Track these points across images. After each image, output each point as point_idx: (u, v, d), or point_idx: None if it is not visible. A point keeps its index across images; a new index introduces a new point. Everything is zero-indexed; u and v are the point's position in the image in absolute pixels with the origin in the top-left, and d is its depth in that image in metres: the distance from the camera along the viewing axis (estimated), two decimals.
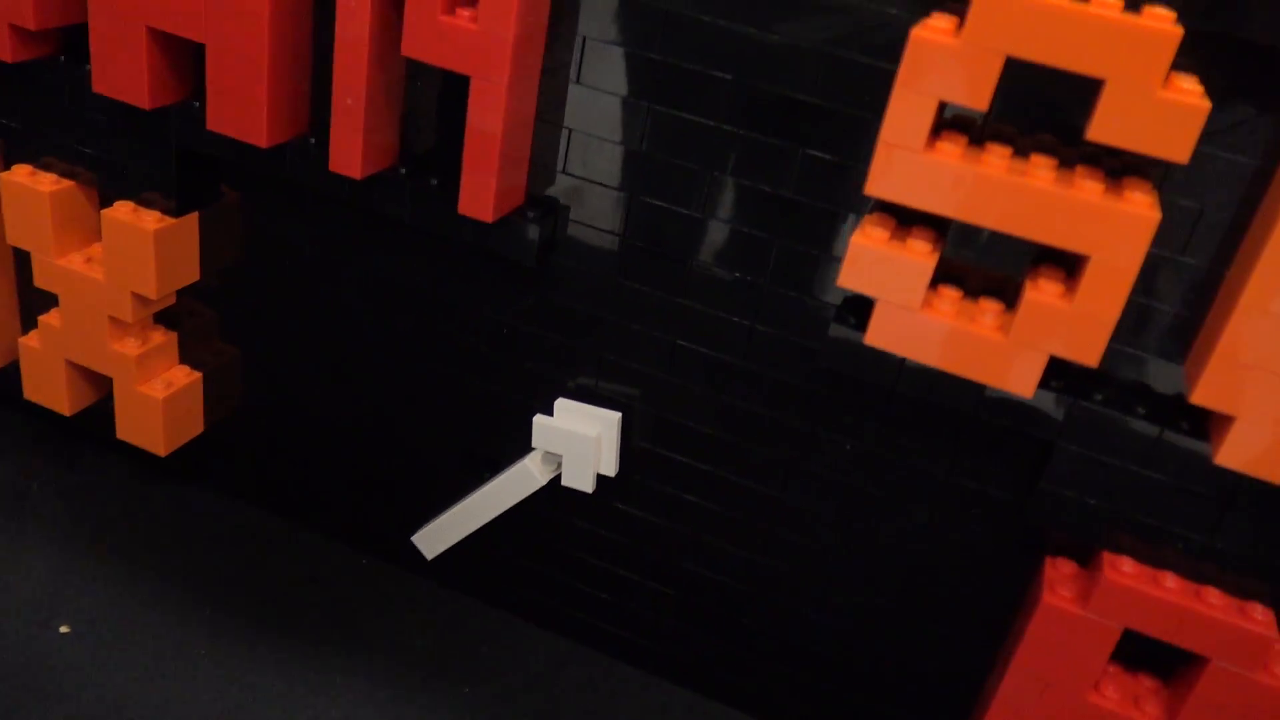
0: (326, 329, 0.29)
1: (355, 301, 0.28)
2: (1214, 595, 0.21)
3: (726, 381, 0.25)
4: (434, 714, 0.26)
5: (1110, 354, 0.21)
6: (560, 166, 0.24)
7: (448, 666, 0.28)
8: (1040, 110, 0.21)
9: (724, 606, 0.27)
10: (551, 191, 0.24)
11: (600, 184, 0.24)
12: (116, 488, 0.32)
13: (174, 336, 0.30)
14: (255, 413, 0.31)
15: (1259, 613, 0.21)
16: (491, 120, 0.22)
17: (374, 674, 0.27)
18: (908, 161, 0.19)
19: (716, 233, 0.23)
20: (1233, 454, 0.20)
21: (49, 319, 0.29)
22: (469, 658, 0.28)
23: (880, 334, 0.21)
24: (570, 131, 0.24)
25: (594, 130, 0.23)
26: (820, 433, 0.24)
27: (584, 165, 0.24)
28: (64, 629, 0.27)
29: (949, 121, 0.21)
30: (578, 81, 0.23)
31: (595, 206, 0.24)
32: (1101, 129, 0.18)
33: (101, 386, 0.30)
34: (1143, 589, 0.21)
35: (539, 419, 0.26)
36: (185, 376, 0.30)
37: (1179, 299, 0.21)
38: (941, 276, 0.21)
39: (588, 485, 0.26)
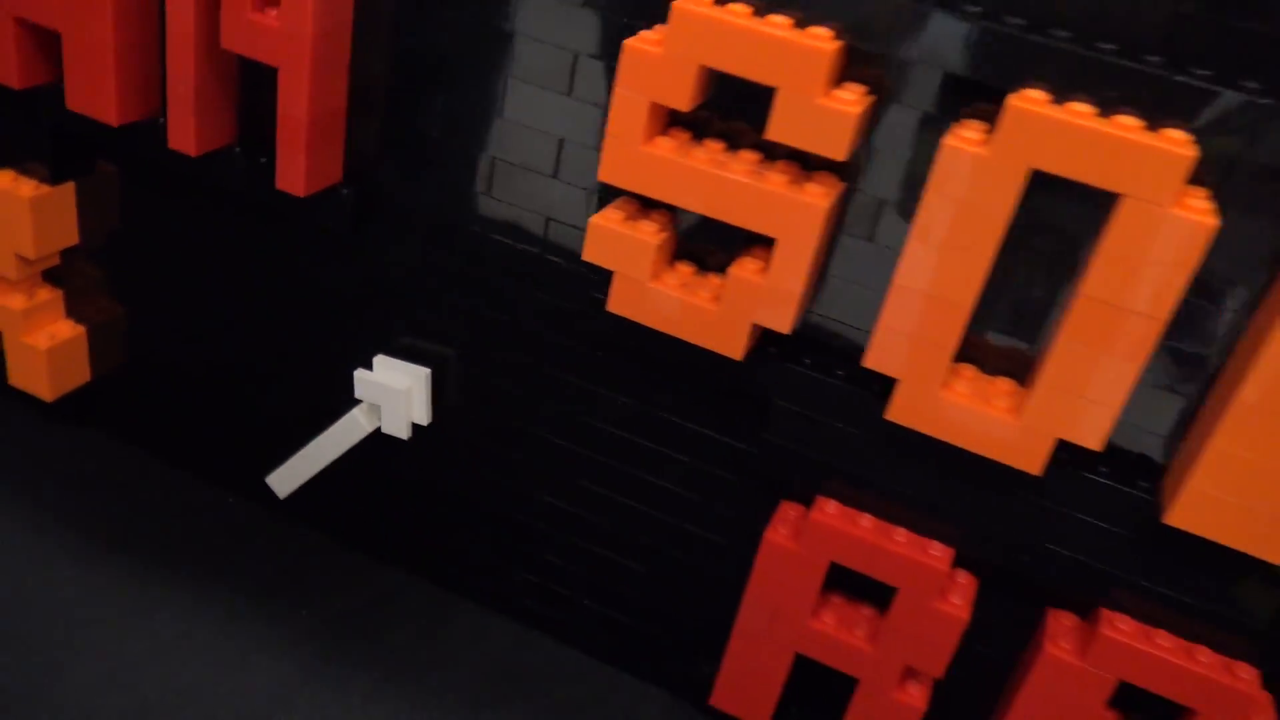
0: (193, 290, 0.32)
1: (214, 267, 0.31)
2: (900, 534, 0.24)
3: (520, 343, 0.28)
4: (270, 631, 0.30)
5: (821, 323, 0.24)
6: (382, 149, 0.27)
7: (288, 591, 0.31)
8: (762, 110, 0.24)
9: (530, 543, 0.31)
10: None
11: (412, 164, 0.27)
12: (11, 428, 0.35)
13: (59, 293, 0.33)
14: (139, 363, 0.35)
15: (937, 549, 0.24)
16: (297, 107, 0.25)
17: (216, 596, 0.31)
18: (628, 153, 0.23)
19: (503, 210, 0.27)
20: (900, 412, 0.23)
21: None
22: (308, 584, 0.32)
23: (618, 302, 0.24)
24: (388, 120, 0.27)
25: (411, 120, 0.27)
26: (600, 391, 0.28)
27: (401, 148, 0.27)
28: None
29: (684, 117, 0.24)
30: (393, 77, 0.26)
31: (408, 184, 0.27)
32: (777, 130, 0.21)
33: None
34: (844, 529, 0.25)
35: (359, 373, 0.29)
36: (70, 330, 0.33)
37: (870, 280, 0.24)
38: (685, 254, 0.25)
39: (404, 433, 0.29)
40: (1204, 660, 0.23)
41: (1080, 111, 0.19)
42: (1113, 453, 0.22)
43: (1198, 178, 0.20)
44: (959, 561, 0.25)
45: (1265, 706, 0.23)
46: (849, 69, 0.21)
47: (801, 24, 0.21)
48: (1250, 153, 0.19)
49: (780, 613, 0.26)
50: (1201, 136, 0.19)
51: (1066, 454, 0.22)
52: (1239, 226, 0.20)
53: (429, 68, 0.26)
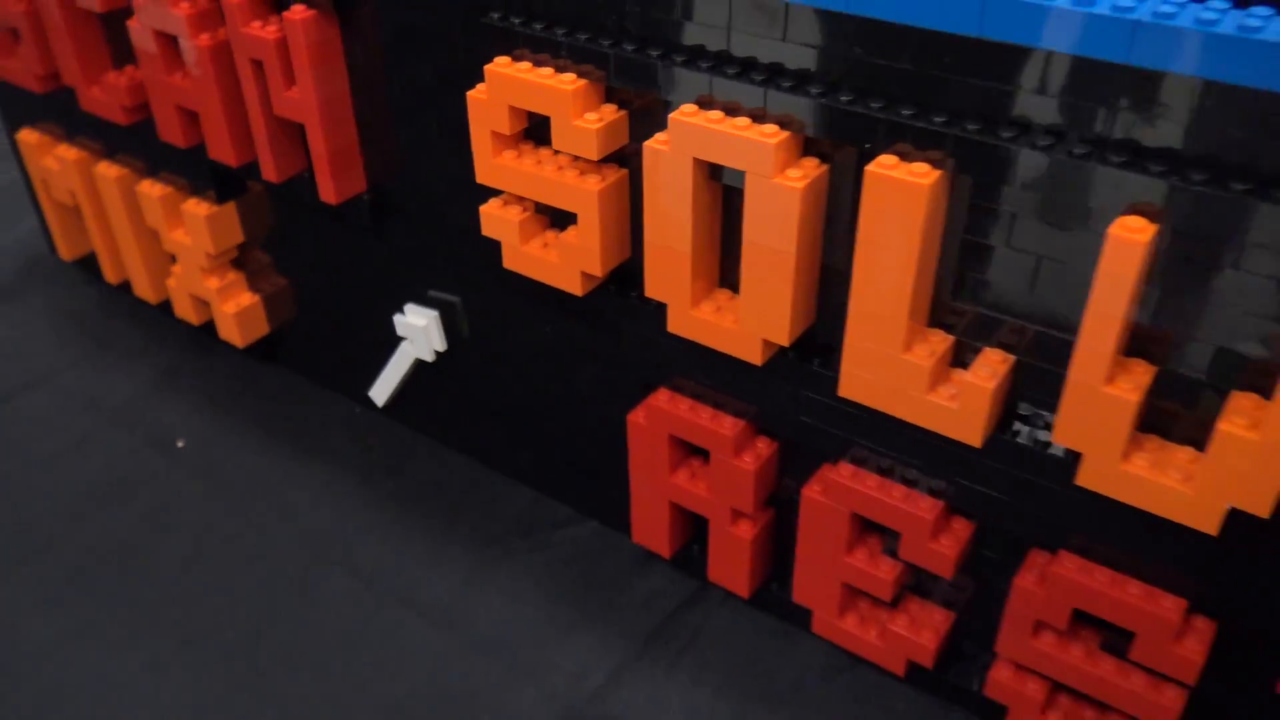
0: (314, 267, 0.47)
1: (321, 252, 0.46)
2: (725, 420, 0.34)
3: (492, 289, 0.40)
4: (351, 502, 0.44)
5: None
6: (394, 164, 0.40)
7: (381, 468, 0.46)
8: None
9: (513, 417, 0.43)
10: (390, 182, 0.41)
11: (408, 177, 0.40)
12: (218, 360, 0.52)
13: (241, 274, 0.49)
14: (302, 319, 0.50)
15: (729, 422, 0.34)
16: (319, 146, 0.39)
17: (332, 473, 0.46)
18: (486, 164, 0.34)
19: (458, 211, 0.38)
20: (674, 324, 0.33)
21: (175, 269, 0.50)
22: (400, 454, 0.46)
23: (509, 260, 0.36)
24: (390, 148, 0.40)
25: (405, 146, 0.39)
26: (533, 322, 0.39)
27: (401, 166, 0.40)
28: (180, 443, 0.47)
29: (531, 133, 0.34)
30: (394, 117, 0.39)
31: (407, 190, 0.40)
32: (558, 141, 0.31)
33: (207, 308, 0.51)
34: (677, 412, 0.35)
35: (397, 317, 0.42)
36: (250, 299, 0.49)
37: None
38: (549, 226, 0.35)
39: (428, 356, 0.42)
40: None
41: (713, 118, 0.28)
42: None
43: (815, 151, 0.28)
44: (759, 430, 0.34)
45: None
46: (610, 95, 0.31)
47: (563, 70, 0.31)
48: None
49: (651, 473, 0.37)
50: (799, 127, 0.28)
51: None
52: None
53: (411, 110, 0.38)
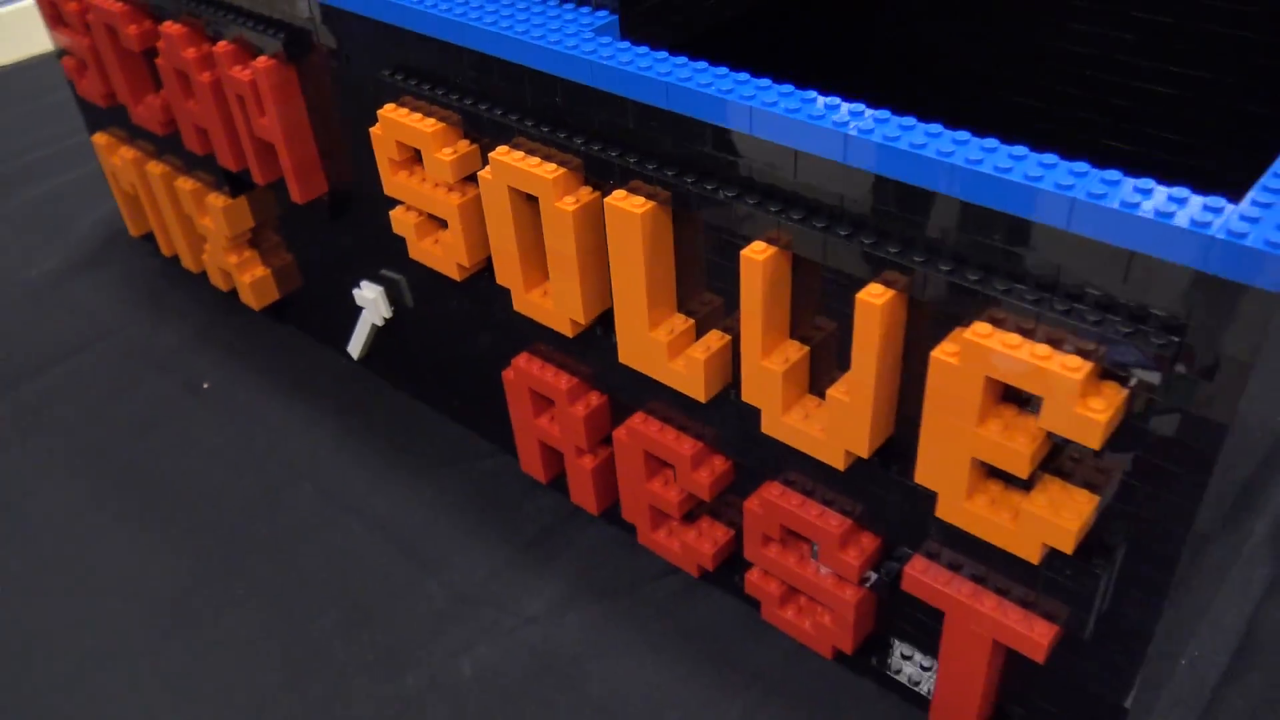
0: (307, 246, 0.59)
1: (310, 234, 0.58)
2: (566, 379, 0.45)
3: (416, 274, 0.51)
4: (325, 431, 0.57)
5: None
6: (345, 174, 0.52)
7: (352, 407, 0.58)
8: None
9: (445, 369, 0.54)
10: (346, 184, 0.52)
11: (356, 184, 0.51)
12: (242, 319, 0.65)
13: (255, 252, 0.62)
14: (304, 287, 0.63)
15: (562, 377, 0.44)
16: (285, 160, 0.50)
17: (316, 410, 0.58)
18: (388, 180, 0.45)
19: (387, 203, 0.49)
20: (517, 305, 0.43)
21: (206, 246, 0.63)
22: (364, 393, 0.58)
23: (413, 253, 0.47)
24: (345, 160, 0.51)
25: (353, 160, 0.51)
26: (446, 298, 0.50)
27: (353, 175, 0.51)
28: (206, 385, 0.60)
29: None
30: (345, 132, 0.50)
31: (355, 194, 0.51)
32: (427, 169, 0.42)
33: (231, 278, 0.63)
34: (532, 372, 0.45)
35: (355, 290, 0.54)
36: (264, 271, 0.62)
37: None
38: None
39: (379, 321, 0.54)
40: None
41: (514, 156, 0.38)
42: None
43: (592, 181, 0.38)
44: (590, 387, 0.45)
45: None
46: (467, 133, 0.42)
47: (428, 115, 0.42)
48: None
49: (522, 416, 0.48)
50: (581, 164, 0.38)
51: None
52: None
53: (351, 133, 0.49)
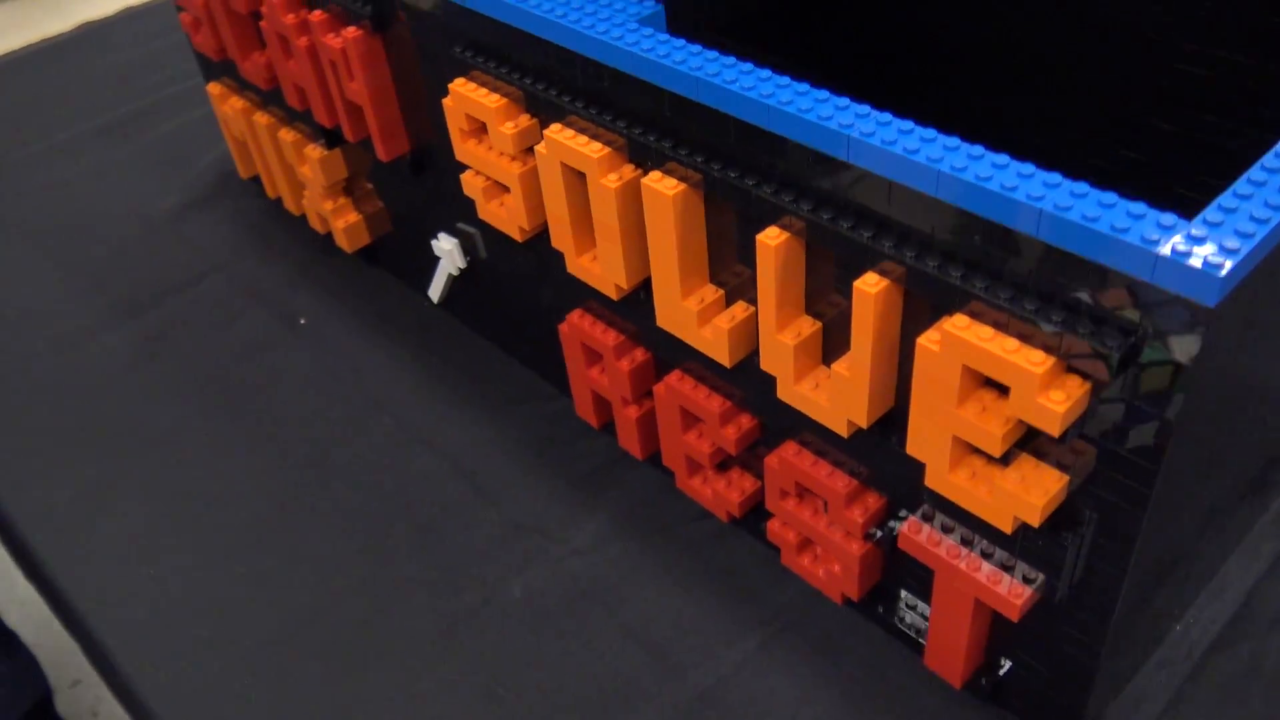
0: (395, 197, 0.64)
1: (398, 189, 0.63)
2: (614, 335, 0.49)
3: (489, 229, 0.55)
4: (406, 368, 0.62)
5: None
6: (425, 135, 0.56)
7: (432, 347, 0.63)
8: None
9: (515, 318, 0.59)
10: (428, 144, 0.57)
11: (435, 144, 0.55)
12: (337, 260, 0.70)
13: (349, 200, 0.67)
14: (393, 233, 0.68)
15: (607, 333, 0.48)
16: (372, 121, 0.55)
17: (399, 348, 0.63)
18: (459, 147, 0.49)
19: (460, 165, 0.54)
20: (570, 268, 0.47)
21: (305, 192, 0.68)
22: (441, 343, 0.63)
23: (481, 213, 0.51)
24: (422, 118, 0.55)
25: (433, 123, 0.55)
26: (513, 254, 0.54)
27: (433, 136, 0.56)
28: (303, 320, 0.66)
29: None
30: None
31: (434, 154, 0.56)
32: (491, 140, 0.46)
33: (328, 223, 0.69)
34: (584, 328, 0.49)
35: (432, 241, 0.59)
36: (356, 217, 0.67)
37: None
38: None
39: (454, 271, 0.59)
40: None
41: (566, 134, 0.42)
42: None
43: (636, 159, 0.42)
44: (634, 343, 0.49)
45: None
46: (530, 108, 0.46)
47: (494, 90, 0.46)
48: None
49: (576, 368, 0.52)
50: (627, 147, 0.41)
51: None
52: None
53: (431, 98, 0.53)
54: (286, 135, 0.66)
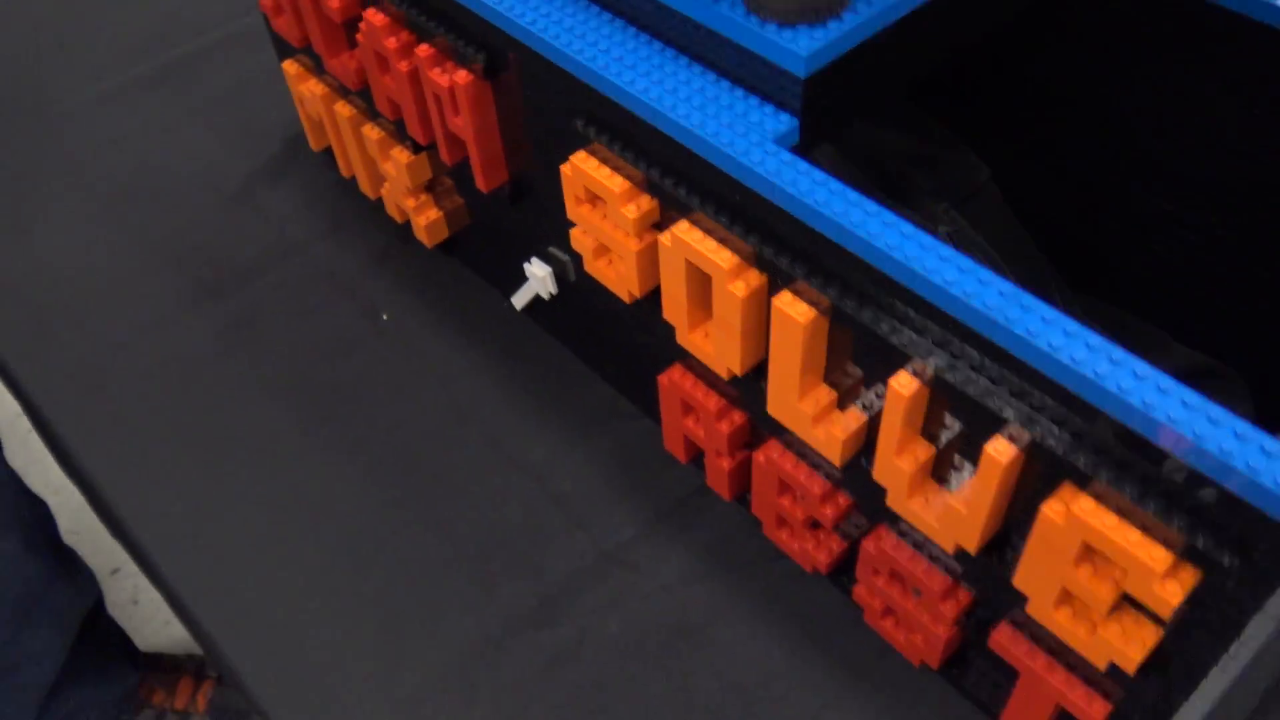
0: (481, 205, 0.65)
1: (486, 202, 0.63)
2: (715, 399, 0.51)
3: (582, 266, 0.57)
4: (490, 377, 0.64)
5: None
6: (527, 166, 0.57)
7: (515, 354, 0.65)
8: None
9: (603, 340, 0.61)
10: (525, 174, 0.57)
11: (537, 179, 0.56)
12: (413, 248, 0.71)
13: (430, 196, 0.68)
14: (473, 228, 0.69)
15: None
16: (474, 153, 0.55)
17: (482, 354, 0.65)
18: (571, 209, 0.50)
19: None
20: (680, 339, 0.49)
21: (385, 185, 0.69)
22: (524, 350, 0.65)
23: (588, 267, 0.52)
24: (529, 157, 0.56)
25: (538, 161, 0.55)
26: (609, 299, 0.56)
27: (535, 171, 0.56)
28: (385, 316, 0.68)
29: None
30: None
31: (535, 186, 0.57)
32: (610, 217, 0.47)
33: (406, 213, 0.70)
34: (685, 387, 0.52)
35: (526, 265, 0.60)
36: (437, 213, 0.68)
37: None
38: None
39: (545, 295, 0.60)
40: None
41: (694, 235, 0.43)
42: None
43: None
44: (733, 407, 0.51)
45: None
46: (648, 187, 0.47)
47: (618, 170, 0.46)
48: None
49: (671, 415, 0.54)
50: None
51: None
52: None
53: (537, 141, 0.54)
54: (371, 132, 0.66)
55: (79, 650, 1.00)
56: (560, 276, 0.60)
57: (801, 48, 0.40)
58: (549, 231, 0.58)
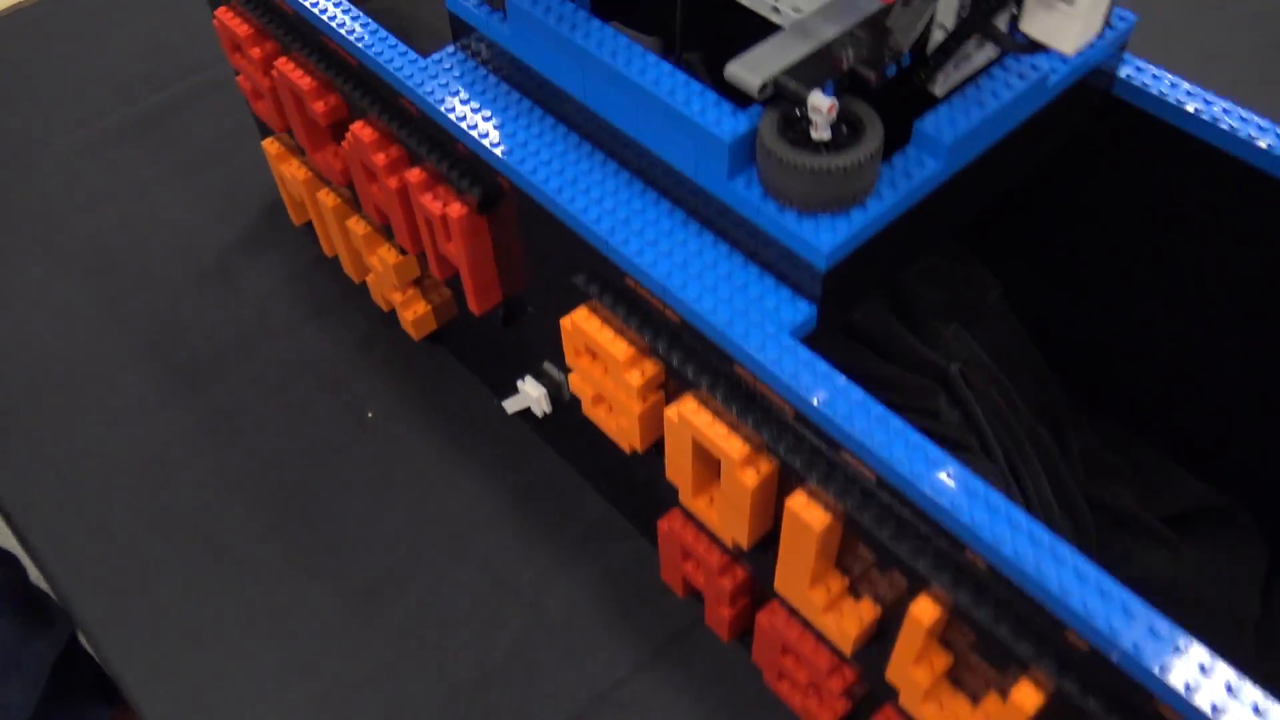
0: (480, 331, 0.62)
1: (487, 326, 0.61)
2: (717, 555, 0.49)
3: None
4: (480, 490, 0.62)
5: None
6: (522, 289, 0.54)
7: (505, 463, 0.63)
8: None
9: (598, 458, 0.59)
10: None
11: (533, 304, 0.54)
12: (398, 335, 0.69)
13: (418, 290, 0.65)
14: (462, 322, 0.66)
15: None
16: (467, 279, 0.53)
17: (472, 462, 0.63)
18: (570, 357, 0.47)
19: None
20: (683, 500, 0.47)
21: (370, 275, 0.66)
22: (514, 458, 0.63)
23: (586, 411, 0.50)
24: (524, 284, 0.53)
25: (533, 289, 0.53)
26: None
27: (530, 296, 0.54)
28: (370, 414, 0.66)
29: None
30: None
31: (530, 310, 0.54)
32: (612, 381, 0.45)
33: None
34: (685, 537, 0.50)
35: (519, 383, 0.58)
36: (425, 308, 0.65)
37: None
38: None
39: (539, 414, 0.58)
40: None
41: (703, 419, 0.41)
42: None
43: None
44: (735, 563, 0.49)
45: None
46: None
47: (620, 332, 0.44)
48: None
49: (669, 557, 0.52)
50: None
51: None
52: None
53: (535, 271, 0.51)
54: (357, 226, 0.63)
55: (51, 693, 0.98)
56: (555, 397, 0.58)
57: (824, 242, 0.38)
58: (544, 350, 0.56)
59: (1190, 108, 0.46)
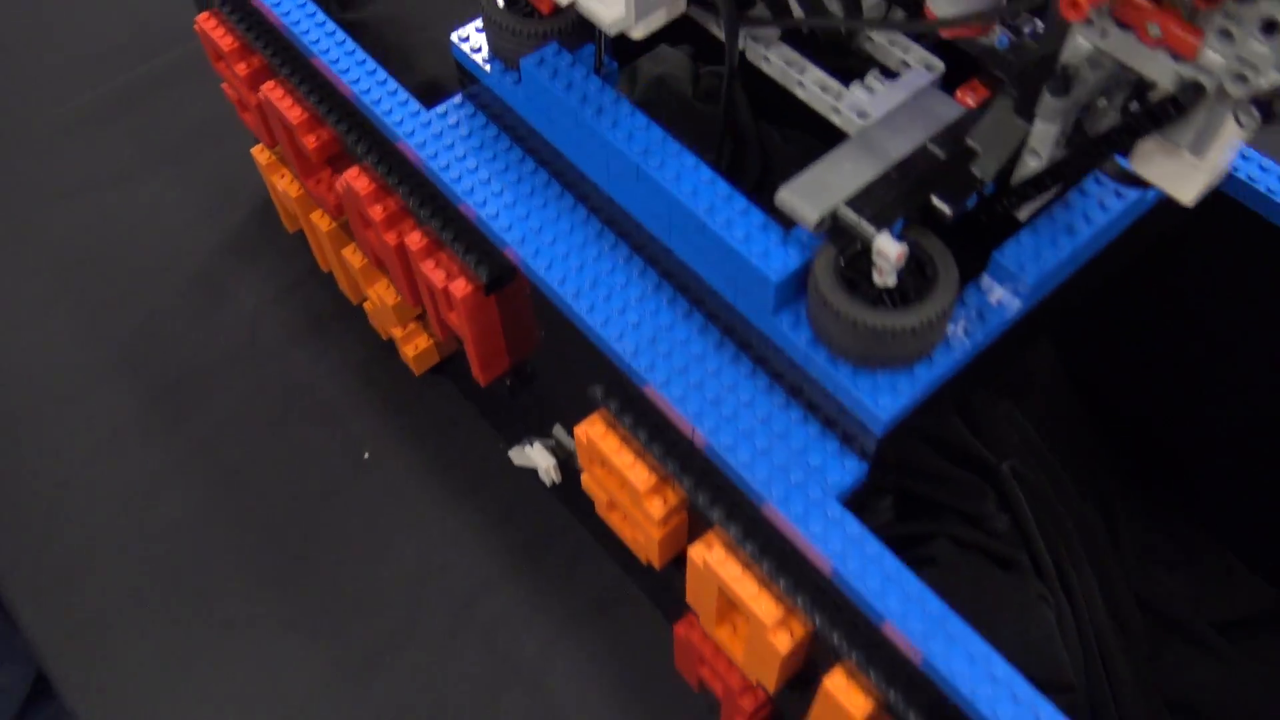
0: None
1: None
2: (738, 675, 0.45)
3: None
4: (482, 545, 0.58)
5: None
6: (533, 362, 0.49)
7: (509, 516, 0.59)
8: None
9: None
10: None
11: (543, 378, 0.49)
12: (397, 364, 0.64)
13: (419, 324, 0.60)
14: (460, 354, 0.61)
15: None
16: (472, 349, 0.48)
17: (474, 514, 0.58)
18: (587, 468, 0.43)
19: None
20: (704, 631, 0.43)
21: (369, 305, 0.61)
22: (519, 510, 0.59)
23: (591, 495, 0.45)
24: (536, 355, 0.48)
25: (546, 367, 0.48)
26: None
27: (541, 368, 0.49)
28: (366, 455, 0.61)
29: None
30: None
31: (540, 380, 0.49)
32: (631, 508, 0.40)
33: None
34: (703, 648, 0.46)
35: (527, 449, 0.53)
36: (427, 342, 0.60)
37: None
38: None
39: (547, 482, 0.54)
40: None
41: (731, 571, 0.37)
42: None
43: None
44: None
45: None
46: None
47: (640, 456, 0.39)
48: None
49: (686, 657, 0.48)
50: None
51: None
52: None
53: (551, 347, 0.46)
54: (354, 258, 0.57)
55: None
56: (565, 463, 0.53)
57: (883, 408, 0.33)
58: (554, 412, 0.51)
59: None
